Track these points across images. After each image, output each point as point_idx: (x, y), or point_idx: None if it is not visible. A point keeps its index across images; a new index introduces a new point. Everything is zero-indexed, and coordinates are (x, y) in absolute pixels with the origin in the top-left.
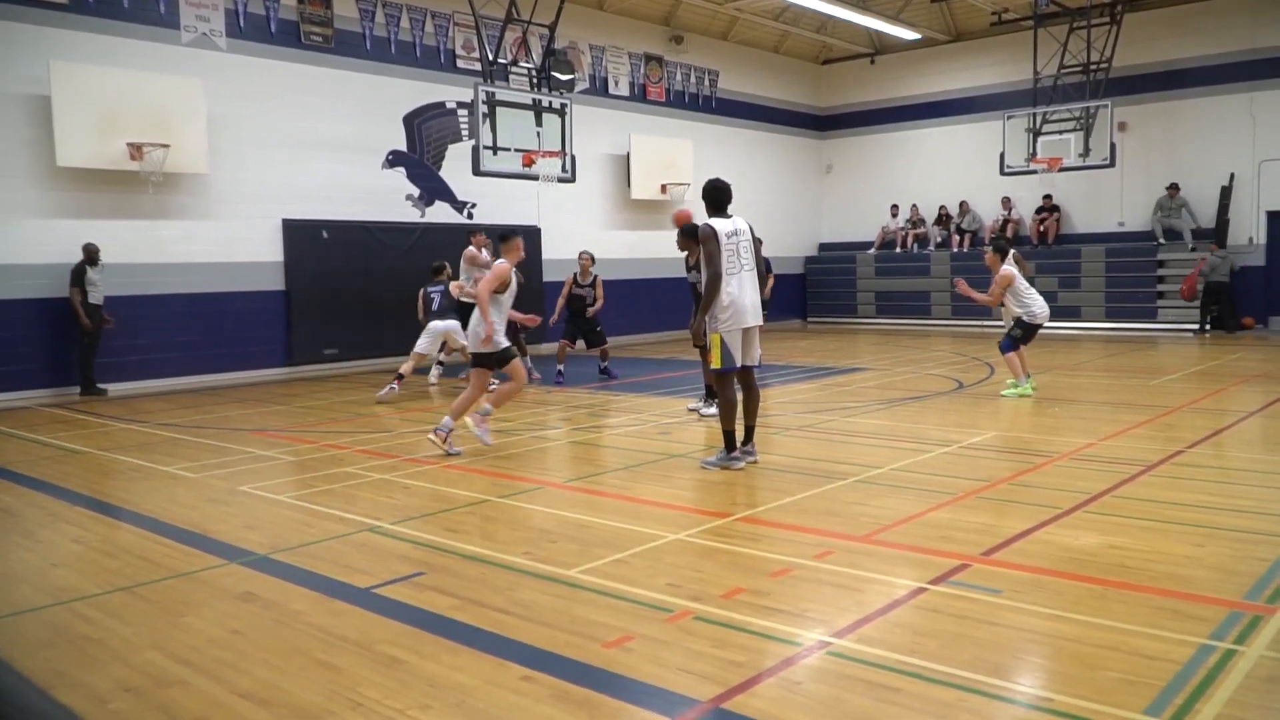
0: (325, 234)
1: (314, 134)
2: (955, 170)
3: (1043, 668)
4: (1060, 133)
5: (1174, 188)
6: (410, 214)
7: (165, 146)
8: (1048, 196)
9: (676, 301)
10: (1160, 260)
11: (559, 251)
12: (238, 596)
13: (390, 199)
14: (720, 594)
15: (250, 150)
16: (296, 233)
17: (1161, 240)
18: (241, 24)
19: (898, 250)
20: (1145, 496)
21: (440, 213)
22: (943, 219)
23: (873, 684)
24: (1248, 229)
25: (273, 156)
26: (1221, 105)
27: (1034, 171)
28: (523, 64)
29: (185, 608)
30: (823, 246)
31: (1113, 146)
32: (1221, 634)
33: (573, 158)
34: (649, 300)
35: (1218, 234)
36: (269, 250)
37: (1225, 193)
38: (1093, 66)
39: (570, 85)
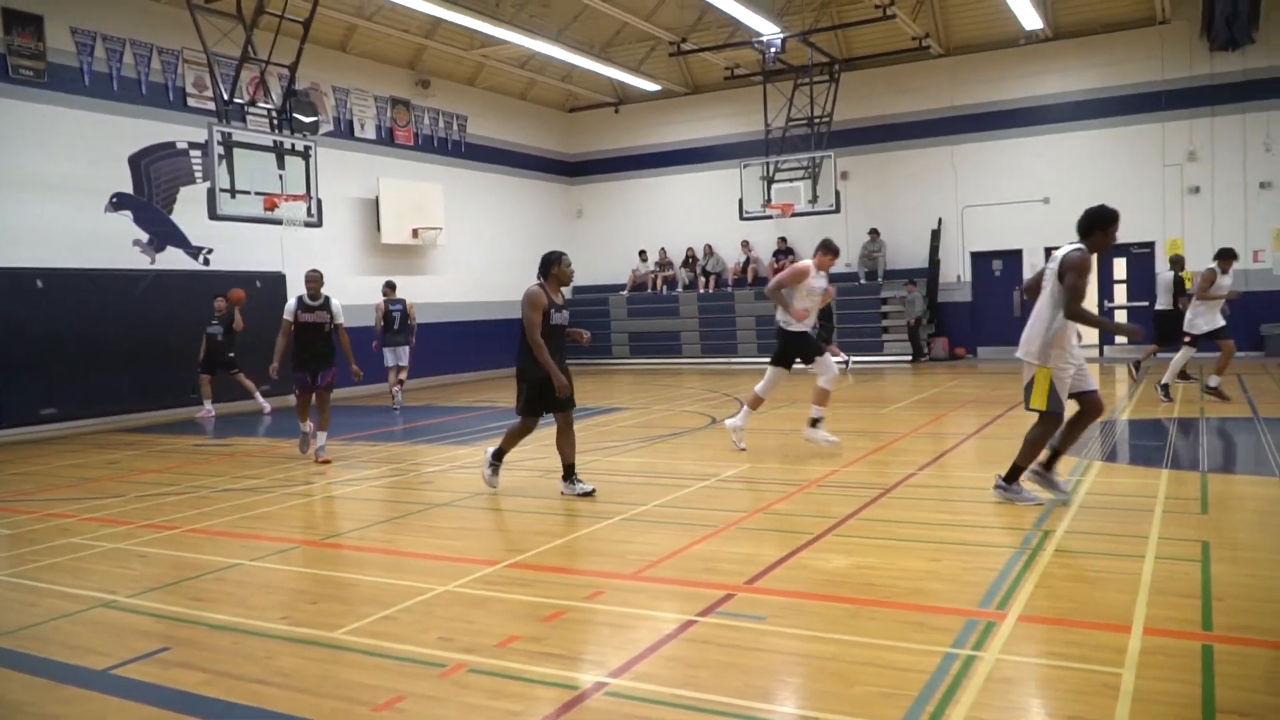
0: (40, 283)
1: (26, 174)
2: (699, 215)
3: (807, 688)
4: (791, 180)
5: (874, 232)
6: (139, 260)
7: None
8: (783, 239)
9: (426, 346)
10: (883, 298)
11: None
12: None
13: (115, 244)
14: (494, 643)
15: None
16: (6, 282)
17: (863, 280)
18: None
19: (649, 291)
20: (885, 518)
21: (173, 258)
22: (689, 261)
23: None
24: (955, 268)
25: None
26: (928, 157)
27: (769, 216)
28: (261, 104)
29: None
30: (577, 289)
31: (837, 194)
32: (962, 641)
33: (319, 201)
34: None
35: (930, 273)
36: None
37: (935, 235)
38: (816, 120)
39: (314, 127)
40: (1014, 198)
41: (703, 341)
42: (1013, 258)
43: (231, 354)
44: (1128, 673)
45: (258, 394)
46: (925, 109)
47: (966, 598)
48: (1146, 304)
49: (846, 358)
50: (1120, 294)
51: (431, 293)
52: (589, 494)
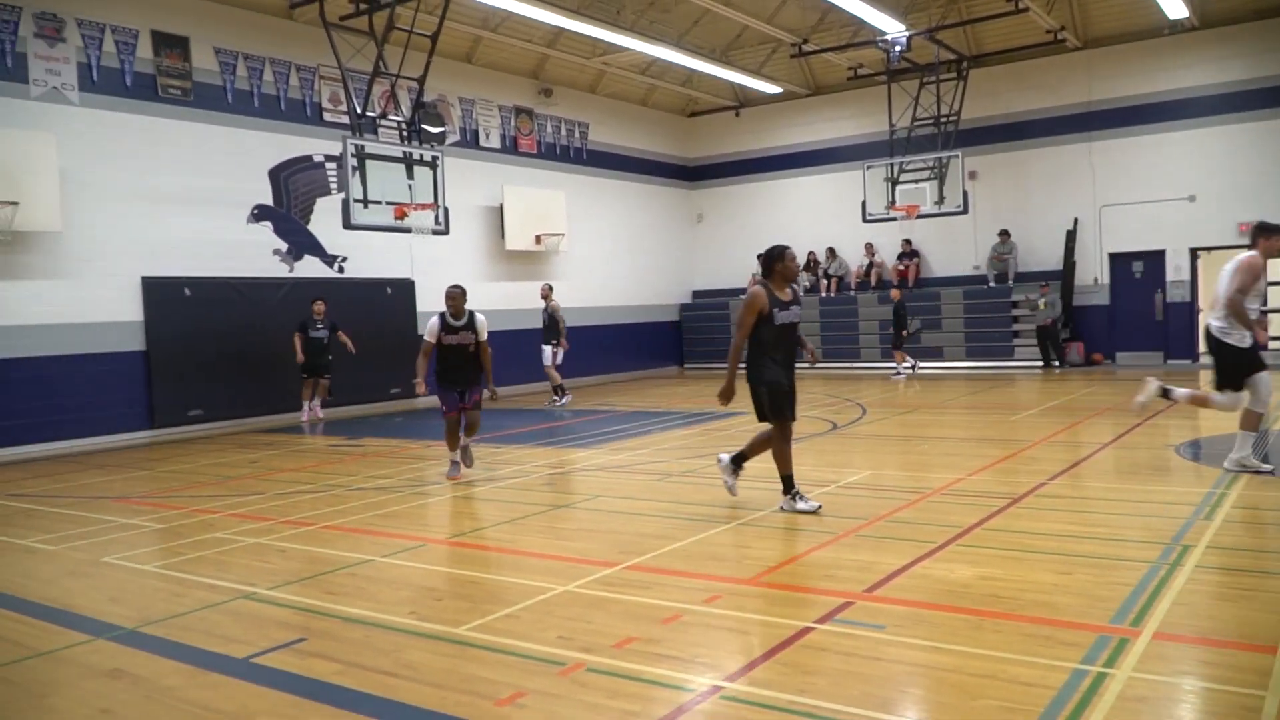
0: (188, 291)
1: (174, 189)
2: (821, 218)
3: (927, 700)
4: (916, 182)
5: (1004, 233)
6: (278, 269)
7: (14, 204)
8: (907, 242)
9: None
10: (1014, 301)
11: (434, 304)
12: (105, 674)
13: (257, 254)
14: (612, 644)
15: (106, 207)
16: (157, 291)
17: (992, 283)
18: (95, 77)
19: None
20: (1012, 528)
21: (310, 267)
22: (811, 265)
23: None
24: (1092, 270)
25: (131, 213)
26: (1063, 155)
27: (894, 218)
28: (392, 117)
29: (49, 688)
30: (696, 294)
31: (965, 194)
32: (1092, 658)
33: (446, 210)
34: (526, 350)
35: (1065, 276)
36: (127, 310)
37: (1070, 236)
38: (943, 119)
39: (441, 138)
40: (1157, 196)
41: (824, 345)
42: (1155, 259)
43: (331, 357)
44: (1271, 696)
45: (319, 402)
46: (1061, 105)
47: (1098, 613)
48: None
49: (914, 363)
50: (1276, 297)
51: (554, 298)
52: (811, 511)
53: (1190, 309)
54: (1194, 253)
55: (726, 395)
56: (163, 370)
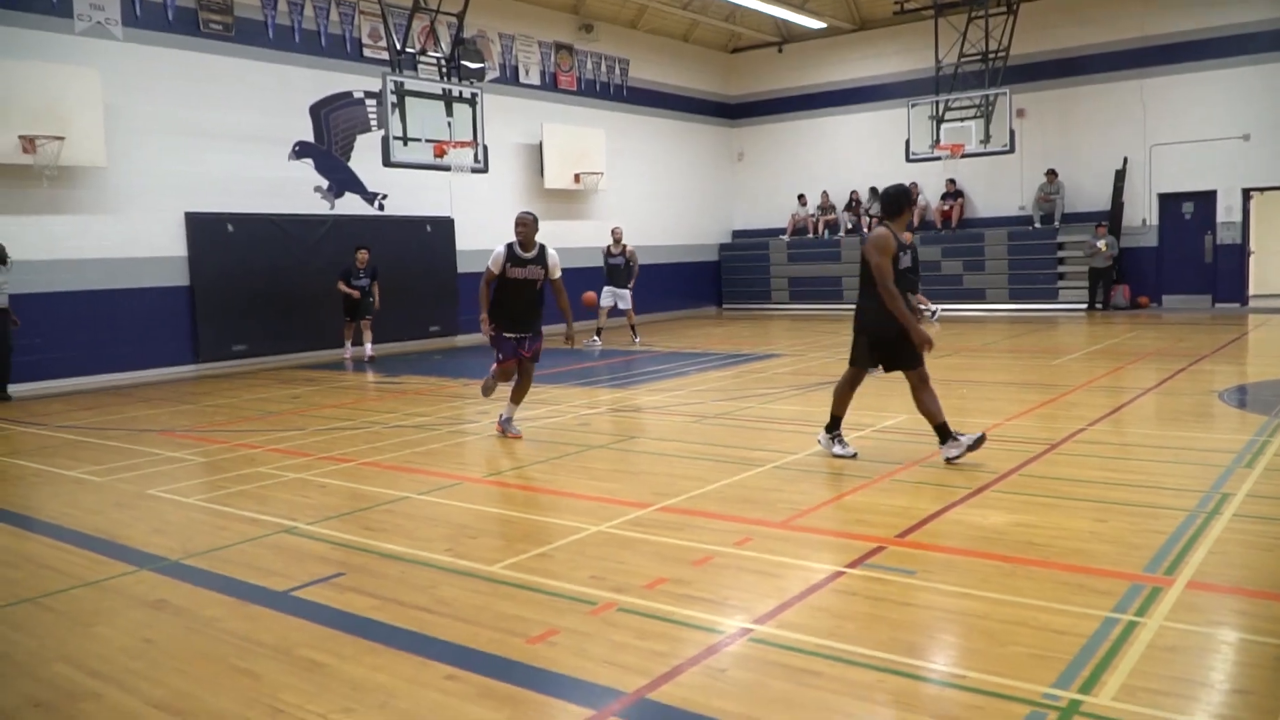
0: (231, 227)
1: (217, 125)
2: (863, 156)
3: (956, 645)
4: (962, 120)
5: (1052, 173)
6: (319, 206)
7: (60, 139)
8: (951, 181)
9: (588, 289)
10: (1060, 243)
11: (473, 243)
12: (149, 604)
13: (298, 191)
14: (643, 584)
15: (150, 142)
16: (200, 226)
17: (1038, 224)
18: (138, 12)
19: (810, 236)
20: (1049, 474)
21: (351, 204)
22: (853, 205)
23: (794, 668)
24: (1141, 211)
25: (174, 148)
26: (1114, 92)
27: (938, 158)
28: (431, 53)
29: (95, 617)
30: (736, 234)
31: (1012, 133)
32: (1124, 606)
33: (485, 148)
34: (571, 290)
35: (1113, 216)
36: (172, 245)
37: (1119, 176)
38: (991, 55)
39: (480, 75)
40: (1210, 135)
41: None
42: (1205, 199)
43: (371, 300)
44: None
45: (369, 345)
46: (1113, 40)
47: (1132, 561)
48: None
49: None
50: None
51: (593, 238)
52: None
53: (1241, 251)
54: (1246, 193)
55: (925, 342)
56: (207, 305)
